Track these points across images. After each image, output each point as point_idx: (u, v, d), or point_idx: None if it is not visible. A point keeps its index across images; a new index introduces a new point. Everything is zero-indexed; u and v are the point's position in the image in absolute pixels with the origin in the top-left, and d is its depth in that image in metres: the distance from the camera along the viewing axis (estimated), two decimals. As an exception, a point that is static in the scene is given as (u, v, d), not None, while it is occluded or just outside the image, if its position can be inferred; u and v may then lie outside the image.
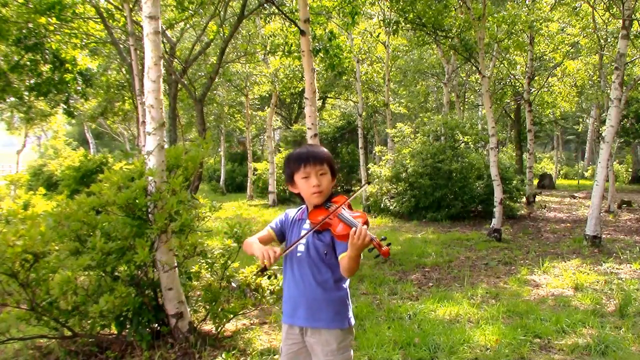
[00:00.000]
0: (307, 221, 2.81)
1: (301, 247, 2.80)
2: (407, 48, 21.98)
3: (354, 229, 2.43)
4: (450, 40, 13.05)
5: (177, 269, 4.93)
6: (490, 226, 11.85)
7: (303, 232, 2.78)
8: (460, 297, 6.97)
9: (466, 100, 27.83)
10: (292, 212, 3.04)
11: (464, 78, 23.51)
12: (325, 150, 2.90)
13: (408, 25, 13.33)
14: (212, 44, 18.04)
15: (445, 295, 7.04)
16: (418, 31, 13.47)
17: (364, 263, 9.27)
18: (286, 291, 2.91)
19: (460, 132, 16.50)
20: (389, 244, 2.43)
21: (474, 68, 17.86)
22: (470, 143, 16.82)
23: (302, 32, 8.09)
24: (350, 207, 2.72)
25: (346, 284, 2.83)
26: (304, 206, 2.96)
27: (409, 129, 18.06)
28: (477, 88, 23.67)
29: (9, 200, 11.86)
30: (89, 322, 4.58)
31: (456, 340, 5.14)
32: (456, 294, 7.17)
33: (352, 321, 2.86)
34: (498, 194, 11.66)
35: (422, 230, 13.02)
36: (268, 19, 16.97)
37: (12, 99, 17.08)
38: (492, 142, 11.94)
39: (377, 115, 28.57)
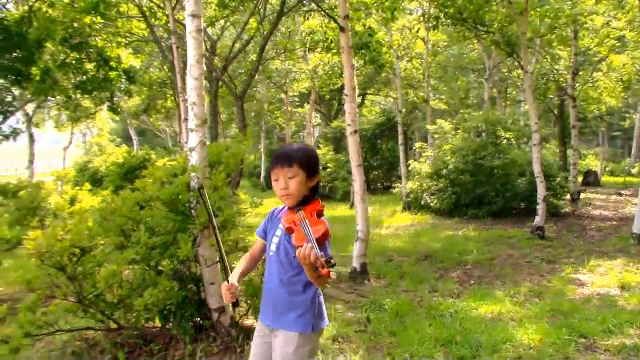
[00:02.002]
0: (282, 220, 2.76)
1: (273, 247, 2.78)
2: (447, 43, 21.75)
3: (299, 249, 2.37)
4: (491, 35, 12.86)
5: (218, 264, 4.98)
6: (533, 224, 11.66)
7: (277, 231, 2.78)
8: (503, 295, 6.88)
9: (508, 96, 27.41)
10: (277, 209, 2.97)
11: (506, 73, 23.15)
12: (302, 149, 2.77)
13: (448, 21, 13.17)
14: (251, 41, 18.15)
15: (487, 293, 6.96)
16: (458, 26, 13.32)
17: (403, 261, 9.24)
18: (264, 281, 2.92)
19: (502, 129, 16.26)
20: (333, 265, 2.34)
21: (515, 63, 17.57)
22: (512, 139, 16.57)
23: (342, 29, 8.07)
24: (319, 214, 2.62)
25: (315, 289, 2.73)
26: None
27: (450, 125, 17.86)
28: (519, 83, 23.27)
29: (56, 196, 12.16)
30: (133, 315, 4.68)
31: (499, 338, 5.08)
32: (498, 292, 7.09)
33: (319, 327, 2.77)
34: (541, 191, 11.46)
35: (463, 228, 12.89)
36: (307, 16, 16.99)
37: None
38: (534, 138, 11.74)
39: (417, 111, 28.36)
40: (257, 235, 2.97)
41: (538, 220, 11.46)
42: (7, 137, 12.62)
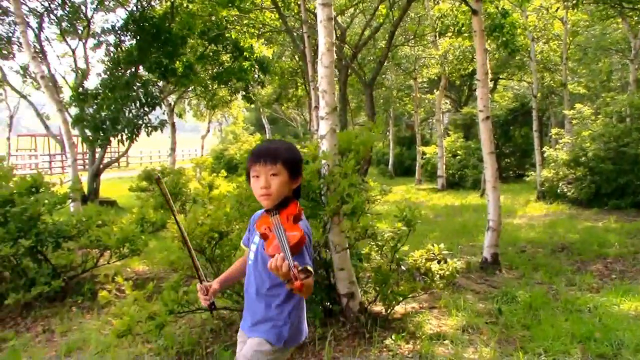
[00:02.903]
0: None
1: (251, 255, 2.59)
2: (587, 23, 20.52)
3: (270, 261, 2.13)
4: (638, 12, 11.97)
5: (348, 250, 5.05)
6: (684, 216, 10.79)
7: (256, 238, 2.57)
8: (648, 291, 6.42)
9: (657, 77, 25.40)
10: (259, 212, 2.73)
11: (655, 53, 21.43)
12: (288, 147, 2.54)
13: (590, -1, 12.44)
14: (381, 27, 18.12)
15: (630, 288, 6.51)
16: (601, 4, 12.52)
17: (537, 252, 8.88)
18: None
19: (650, 113, 15.11)
20: (307, 276, 2.11)
21: (666, 42, 16.22)
22: (661, 125, 15.36)
23: (474, 12, 7.84)
24: (296, 219, 2.39)
25: (294, 301, 2.52)
26: None
27: (589, 110, 16.85)
28: (670, 64, 21.49)
29: (195, 182, 12.87)
30: (266, 297, 4.86)
31: (643, 337, 4.76)
32: (643, 288, 6.62)
33: (294, 342, 2.59)
34: (694, 181, 10.56)
35: (604, 219, 12.14)
36: (438, 0, 16.71)
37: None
38: (687, 123, 10.84)
39: (553, 96, 27.03)
40: (243, 245, 2.82)
41: (690, 212, 10.58)
42: (156, 128, 13.53)
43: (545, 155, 16.50)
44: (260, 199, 2.46)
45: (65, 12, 14.43)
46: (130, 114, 12.94)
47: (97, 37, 15.57)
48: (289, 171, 2.45)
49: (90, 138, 12.79)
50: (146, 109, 13.23)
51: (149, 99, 13.26)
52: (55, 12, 14.67)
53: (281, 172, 2.42)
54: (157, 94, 14.34)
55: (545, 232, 10.62)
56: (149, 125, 13.28)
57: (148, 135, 13.46)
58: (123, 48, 13.93)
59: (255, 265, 2.54)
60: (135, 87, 13.26)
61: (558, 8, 17.50)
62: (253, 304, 2.57)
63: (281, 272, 2.08)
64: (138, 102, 13.00)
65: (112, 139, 12.87)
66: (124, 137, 12.70)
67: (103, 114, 12.40)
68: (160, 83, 15.17)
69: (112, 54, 13.97)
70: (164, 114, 18.83)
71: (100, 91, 12.87)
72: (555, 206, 14.46)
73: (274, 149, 2.47)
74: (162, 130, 14.24)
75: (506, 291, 6.34)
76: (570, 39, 19.30)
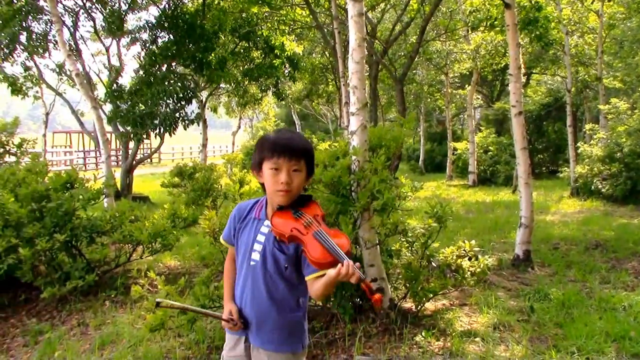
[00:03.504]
0: (267, 222, 2.34)
1: (255, 255, 2.33)
2: (624, 16, 20.10)
3: (339, 267, 1.99)
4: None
5: (378, 246, 5.04)
6: None
7: (260, 237, 2.35)
8: (686, 290, 6.28)
9: (696, 71, 24.78)
10: (245, 206, 2.50)
11: (694, 46, 20.89)
12: (308, 143, 2.35)
13: (627, -9, 12.16)
14: (412, 22, 18.01)
15: (667, 287, 6.39)
16: (639, -4, 12.24)
17: (571, 249, 8.75)
18: (236, 296, 2.46)
19: (689, 107, 14.77)
20: (378, 289, 1.93)
21: None
22: (700, 119, 15.00)
23: (507, 5, 7.74)
24: (323, 219, 2.26)
25: (305, 302, 2.39)
26: (262, 199, 2.46)
27: (626, 105, 16.53)
28: None
29: (226, 178, 12.97)
30: (298, 292, 4.87)
31: (681, 337, 4.65)
32: (681, 286, 6.47)
33: (307, 342, 2.45)
34: None
35: (639, 216, 11.93)
36: (469, -6, 16.53)
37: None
38: None
39: (587, 90, 26.57)
40: (225, 242, 2.56)
41: None
42: (192, 122, 13.76)
43: (579, 151, 16.25)
44: (276, 194, 2.27)
45: (104, 14, 14.73)
46: (167, 108, 13.13)
47: (129, 35, 15.79)
48: (308, 168, 2.31)
49: (126, 133, 13.02)
50: (182, 102, 13.43)
51: (185, 93, 13.45)
52: (90, 11, 14.92)
53: (303, 168, 2.28)
54: (194, 88, 14.54)
55: (579, 229, 10.45)
56: (185, 119, 13.48)
57: (185, 128, 13.67)
58: (158, 44, 14.13)
59: (263, 266, 2.32)
60: (171, 82, 13.44)
61: (593, 0, 17.19)
62: (261, 310, 2.36)
63: (347, 279, 1.99)
64: (175, 96, 13.18)
65: (150, 132, 13.10)
66: (162, 130, 12.89)
67: (140, 108, 12.60)
68: (195, 77, 15.35)
69: (147, 50, 14.17)
70: (198, 108, 19.05)
71: (137, 87, 13.06)
72: (589, 203, 14.23)
73: (298, 143, 2.28)
74: (198, 124, 14.46)
75: (538, 289, 6.26)
76: (606, 32, 18.91)
